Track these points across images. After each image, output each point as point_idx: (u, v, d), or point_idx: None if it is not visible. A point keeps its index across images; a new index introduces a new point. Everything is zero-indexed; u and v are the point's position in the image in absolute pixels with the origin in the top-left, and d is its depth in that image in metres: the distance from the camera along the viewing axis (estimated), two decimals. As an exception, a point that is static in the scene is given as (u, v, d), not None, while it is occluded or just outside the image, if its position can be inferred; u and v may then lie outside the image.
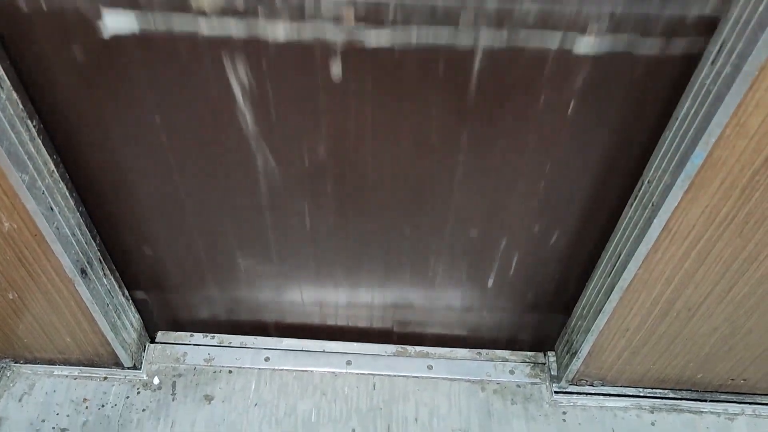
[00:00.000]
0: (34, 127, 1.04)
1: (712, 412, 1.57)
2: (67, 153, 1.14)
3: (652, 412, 1.56)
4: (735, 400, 1.56)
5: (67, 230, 1.18)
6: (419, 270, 1.43)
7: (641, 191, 1.08)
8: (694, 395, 1.56)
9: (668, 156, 0.98)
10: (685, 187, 0.96)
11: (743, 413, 1.56)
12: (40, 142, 1.06)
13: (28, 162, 1.03)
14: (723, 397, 1.56)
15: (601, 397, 1.56)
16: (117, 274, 1.43)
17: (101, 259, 1.34)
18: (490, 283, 1.46)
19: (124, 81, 1.00)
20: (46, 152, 1.08)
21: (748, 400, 1.56)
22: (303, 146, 1.12)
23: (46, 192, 1.09)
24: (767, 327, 1.29)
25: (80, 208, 1.23)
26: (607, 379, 1.52)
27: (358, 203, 1.25)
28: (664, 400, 1.56)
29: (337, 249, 1.38)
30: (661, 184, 1.00)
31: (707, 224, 1.04)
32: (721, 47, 0.84)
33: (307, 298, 1.55)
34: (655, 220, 1.03)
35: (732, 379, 1.50)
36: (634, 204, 1.11)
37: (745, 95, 0.83)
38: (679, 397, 1.56)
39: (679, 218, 1.03)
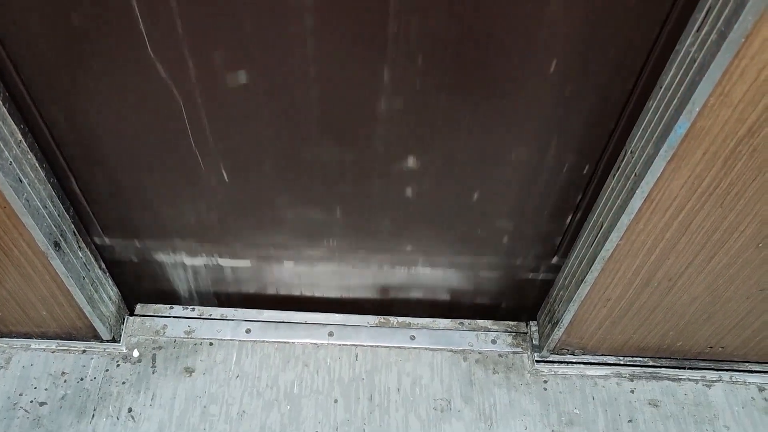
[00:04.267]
0: (-1, 95, 1.00)
1: (690, 379, 1.59)
2: (36, 122, 1.10)
3: (632, 380, 1.58)
4: (713, 367, 1.58)
5: (38, 202, 1.15)
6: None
7: (624, 161, 1.07)
8: (673, 363, 1.58)
9: (651, 126, 0.97)
10: (668, 157, 0.95)
11: (720, 380, 1.59)
12: (5, 110, 1.02)
13: (-7, 132, 1.00)
14: (701, 364, 1.58)
15: (582, 365, 1.57)
16: (93, 247, 1.40)
17: (75, 231, 1.31)
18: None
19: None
20: (12, 121, 1.04)
21: (726, 367, 1.58)
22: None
23: (13, 163, 1.06)
24: (745, 296, 1.30)
25: (51, 180, 1.20)
26: (588, 348, 1.53)
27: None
28: (644, 368, 1.58)
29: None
30: (644, 155, 0.99)
31: (689, 194, 1.03)
32: (707, 13, 0.81)
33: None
34: (637, 191, 1.02)
35: (710, 347, 1.52)
36: (617, 174, 1.10)
37: (729, 63, 0.81)
38: (659, 365, 1.58)
39: (662, 189, 1.02)
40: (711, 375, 1.58)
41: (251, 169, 1.22)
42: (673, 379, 1.58)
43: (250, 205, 1.32)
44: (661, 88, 0.93)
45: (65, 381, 1.52)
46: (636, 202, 1.04)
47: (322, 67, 1.00)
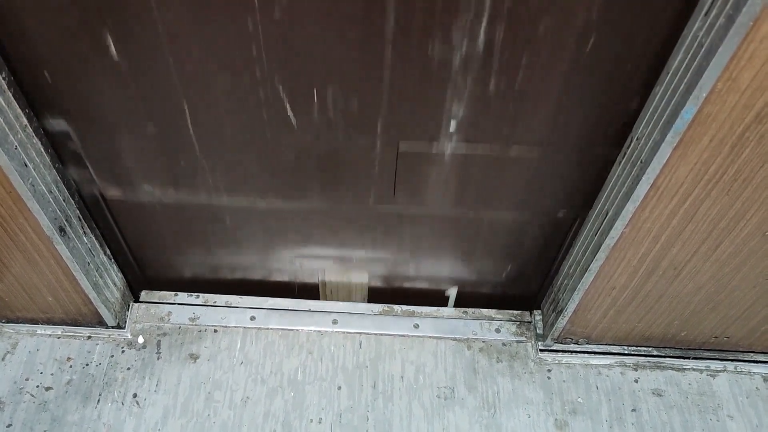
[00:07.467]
0: (4, 79, 1.00)
1: (694, 369, 1.58)
2: (41, 107, 1.10)
3: (636, 370, 1.57)
4: (717, 357, 1.58)
5: (44, 187, 1.15)
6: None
7: (630, 148, 1.06)
8: (678, 353, 1.57)
9: (658, 111, 0.96)
10: (675, 143, 0.95)
11: (725, 370, 1.58)
12: (10, 95, 1.02)
13: (-2, 116, 1.00)
14: (706, 354, 1.58)
15: (586, 355, 1.57)
16: (98, 232, 1.40)
17: (80, 217, 1.31)
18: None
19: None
20: (17, 106, 1.04)
21: (731, 357, 1.58)
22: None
23: (19, 147, 1.06)
24: (752, 285, 1.30)
25: (57, 165, 1.20)
26: (592, 338, 1.53)
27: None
28: (648, 358, 1.57)
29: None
30: (650, 141, 0.98)
31: (695, 182, 1.02)
32: (715, -3, 0.81)
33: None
34: (643, 178, 1.01)
35: (715, 337, 1.51)
36: (623, 161, 1.09)
37: (738, 48, 0.81)
38: (663, 354, 1.57)
39: (668, 176, 1.01)
40: (715, 365, 1.58)
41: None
42: (678, 369, 1.58)
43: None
44: (668, 73, 0.93)
45: (71, 366, 1.53)
46: (642, 189, 1.04)
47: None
